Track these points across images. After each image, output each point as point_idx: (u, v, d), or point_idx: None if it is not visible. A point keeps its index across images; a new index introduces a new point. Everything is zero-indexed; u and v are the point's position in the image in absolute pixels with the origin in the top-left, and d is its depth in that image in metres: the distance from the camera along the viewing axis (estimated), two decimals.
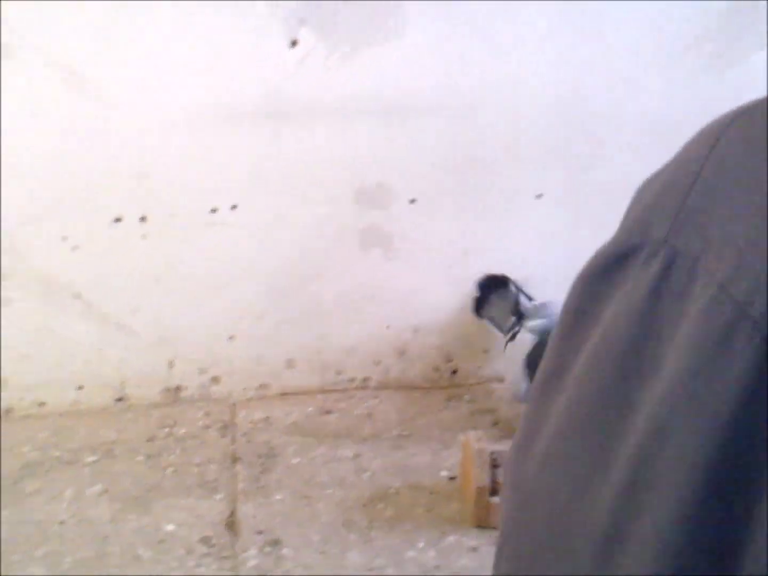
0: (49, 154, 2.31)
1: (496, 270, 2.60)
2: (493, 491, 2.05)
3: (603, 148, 2.55)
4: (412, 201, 2.51)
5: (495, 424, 2.49)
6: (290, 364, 2.60)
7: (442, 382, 2.66)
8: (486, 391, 2.65)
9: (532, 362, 2.31)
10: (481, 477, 2.05)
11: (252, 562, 1.95)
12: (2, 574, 1.90)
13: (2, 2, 2.16)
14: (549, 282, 2.65)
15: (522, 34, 2.42)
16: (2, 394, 2.46)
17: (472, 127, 2.48)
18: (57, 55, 2.24)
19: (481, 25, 2.40)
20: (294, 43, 2.32)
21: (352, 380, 2.64)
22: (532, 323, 2.38)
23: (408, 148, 2.47)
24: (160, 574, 1.91)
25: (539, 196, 2.58)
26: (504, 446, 2.28)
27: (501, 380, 2.70)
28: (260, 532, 2.04)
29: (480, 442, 2.13)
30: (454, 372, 2.68)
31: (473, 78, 2.43)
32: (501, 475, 2.08)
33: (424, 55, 2.39)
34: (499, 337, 2.62)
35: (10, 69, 2.21)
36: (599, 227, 2.46)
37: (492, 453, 2.13)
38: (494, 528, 2.02)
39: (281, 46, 2.31)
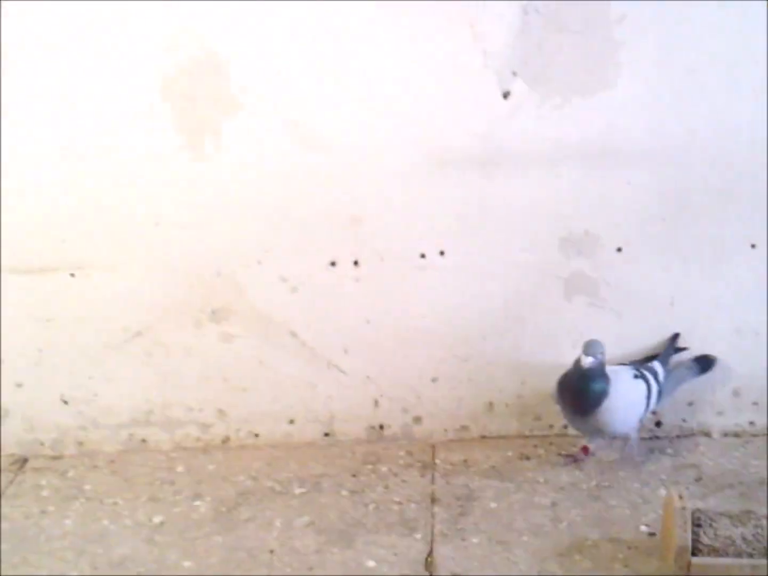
0: (270, 200, 2.47)
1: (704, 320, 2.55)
2: (695, 551, 2.00)
3: None
4: (619, 249, 2.50)
5: (698, 479, 2.42)
6: (490, 407, 2.64)
7: (644, 433, 2.61)
8: (690, 445, 2.58)
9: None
10: (682, 536, 2.00)
11: None
12: None
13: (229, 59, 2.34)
14: (761, 334, 2.56)
15: (737, 80, 2.37)
16: (221, 424, 2.64)
17: (682, 174, 2.44)
18: (281, 108, 2.40)
19: (694, 73, 2.37)
20: (506, 95, 2.37)
21: (551, 426, 2.64)
22: None
23: (615, 195, 2.46)
24: None
25: (753, 246, 2.50)
26: (706, 504, 2.23)
27: (707, 434, 2.63)
28: (456, 575, 2.08)
29: (682, 499, 2.08)
30: (658, 424, 2.63)
31: (684, 125, 2.40)
32: (703, 535, 2.03)
33: (635, 102, 2.38)
34: (704, 390, 2.59)
35: (238, 122, 2.39)
36: None
37: (694, 512, 2.09)
38: None
39: (494, 96, 2.37)
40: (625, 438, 2.51)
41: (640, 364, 2.51)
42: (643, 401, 2.45)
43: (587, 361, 2.31)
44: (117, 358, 2.60)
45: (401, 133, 2.42)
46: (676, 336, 2.57)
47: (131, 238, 2.51)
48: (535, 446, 2.60)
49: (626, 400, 2.42)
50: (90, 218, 2.48)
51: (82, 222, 2.48)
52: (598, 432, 2.47)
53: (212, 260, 2.53)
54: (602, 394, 2.36)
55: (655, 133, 2.41)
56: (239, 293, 2.55)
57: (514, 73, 2.34)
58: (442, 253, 2.51)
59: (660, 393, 2.49)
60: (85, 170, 2.44)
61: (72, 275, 2.52)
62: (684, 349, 2.58)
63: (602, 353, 2.34)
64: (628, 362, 2.52)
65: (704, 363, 2.57)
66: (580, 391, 2.38)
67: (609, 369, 2.41)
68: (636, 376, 2.45)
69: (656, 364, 2.50)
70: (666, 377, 2.50)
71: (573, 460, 2.52)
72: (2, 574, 2.16)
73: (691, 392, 2.60)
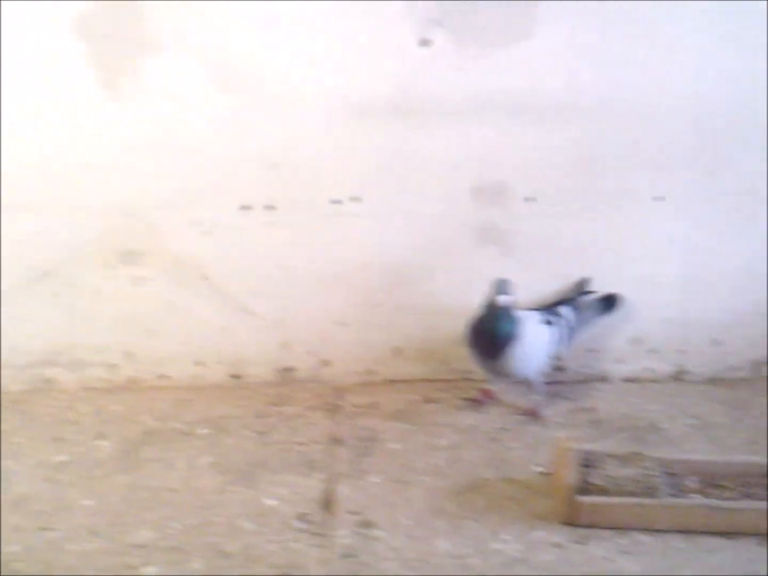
0: (187, 142, 2.47)
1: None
2: (583, 490, 2.08)
3: (730, 155, 2.53)
4: (530, 199, 2.55)
5: (593, 423, 2.51)
6: (398, 352, 2.69)
7: (546, 378, 2.69)
8: (589, 391, 2.67)
9: None
10: (571, 476, 2.08)
11: (344, 541, 2.04)
12: (116, 534, 2.06)
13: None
14: (663, 285, 2.64)
15: (655, 38, 2.42)
16: (128, 365, 2.65)
17: (594, 128, 2.50)
18: (202, 50, 2.39)
19: (615, 29, 2.41)
20: (426, 43, 2.39)
21: (456, 371, 2.71)
22: None
23: (529, 147, 2.51)
24: (257, 545, 2.03)
25: (660, 198, 2.56)
26: (597, 446, 2.31)
27: (606, 380, 2.72)
28: (355, 513, 2.14)
29: (572, 440, 2.16)
30: (560, 369, 2.70)
31: (600, 79, 2.45)
32: (592, 475, 2.11)
33: (553, 55, 2.42)
34: (605, 338, 2.68)
35: (157, 63, 2.38)
36: (718, 232, 2.49)
37: (584, 453, 2.17)
38: (581, 526, 2.06)
39: (414, 45, 2.39)
40: (531, 382, 2.57)
41: (549, 310, 2.57)
42: (552, 346, 2.52)
43: (502, 299, 2.35)
44: (24, 297, 2.59)
45: (321, 80, 2.44)
46: (583, 280, 2.64)
47: (41, 176, 2.49)
48: (440, 390, 2.67)
49: (535, 344, 2.48)
50: (9, 158, 2.46)
51: (4, 161, 2.47)
52: (506, 375, 2.52)
53: (125, 201, 2.52)
54: (512, 336, 2.41)
55: (571, 87, 2.46)
56: (151, 235, 2.55)
57: (434, 22, 2.35)
58: (356, 199, 2.54)
59: (569, 337, 2.56)
60: (8, 111, 2.42)
61: None
62: (591, 292, 2.65)
63: (512, 293, 2.38)
64: (537, 307, 2.59)
65: (608, 302, 2.65)
66: (491, 331, 2.41)
67: (519, 313, 2.47)
68: (544, 322, 2.52)
69: (565, 309, 2.57)
70: (576, 323, 2.58)
71: (475, 403, 2.59)
72: None
73: (593, 339, 2.68)
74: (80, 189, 2.51)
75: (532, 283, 2.62)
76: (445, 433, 2.46)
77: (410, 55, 2.40)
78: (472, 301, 2.58)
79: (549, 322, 2.52)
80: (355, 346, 2.67)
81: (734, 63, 2.45)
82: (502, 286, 2.36)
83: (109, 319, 2.61)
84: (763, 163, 2.54)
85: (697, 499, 2.09)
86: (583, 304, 2.62)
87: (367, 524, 2.10)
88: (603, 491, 2.09)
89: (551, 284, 2.64)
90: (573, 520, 2.08)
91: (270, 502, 2.18)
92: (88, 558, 2.00)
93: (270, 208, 2.54)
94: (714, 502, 2.07)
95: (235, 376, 2.68)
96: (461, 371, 2.70)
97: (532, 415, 2.54)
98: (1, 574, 1.93)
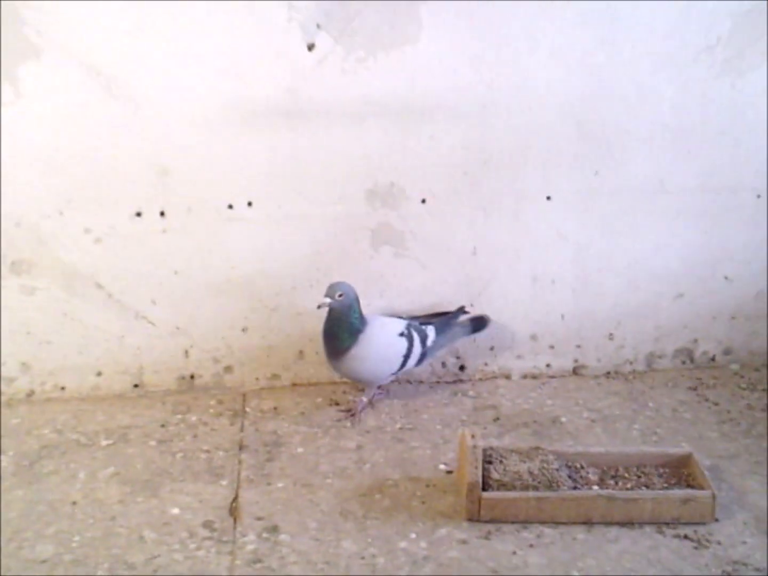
0: (73, 149, 2.42)
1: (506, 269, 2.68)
2: (485, 486, 2.12)
3: (613, 152, 2.60)
4: (424, 201, 2.58)
5: (496, 419, 2.56)
6: (300, 355, 2.69)
7: (448, 377, 2.74)
8: (491, 387, 2.72)
9: None
10: (473, 472, 2.11)
11: (250, 547, 2.04)
12: (16, 550, 2.01)
13: (24, 2, 2.26)
14: (556, 282, 2.71)
15: (536, 39, 2.48)
16: (25, 378, 2.58)
17: (483, 129, 2.55)
18: (83, 55, 2.34)
19: (495, 30, 2.46)
20: (311, 47, 2.39)
21: None
22: None
23: (420, 149, 2.54)
24: (162, 555, 2.01)
25: (549, 198, 2.63)
26: (500, 442, 2.36)
27: (507, 377, 2.77)
28: (260, 518, 2.13)
29: (474, 438, 2.20)
30: (461, 368, 2.75)
31: (486, 82, 2.50)
32: (493, 471, 2.15)
33: (438, 58, 2.46)
34: (504, 336, 2.73)
35: (37, 69, 2.33)
36: (607, 229, 2.56)
37: (486, 449, 2.21)
38: (485, 522, 2.10)
39: (299, 49, 2.40)
40: (368, 385, 2.59)
41: (417, 322, 2.58)
42: (399, 359, 2.53)
43: (323, 302, 2.38)
44: None
45: (208, 84, 2.42)
46: (462, 307, 2.67)
47: None
48: (345, 392, 2.67)
49: (380, 353, 2.50)
50: None
51: None
52: (346, 376, 2.56)
53: (11, 211, 2.46)
54: (349, 339, 2.43)
55: (457, 89, 2.50)
56: (41, 244, 2.49)
57: (319, 26, 2.37)
58: (250, 204, 2.53)
59: (423, 356, 2.57)
60: None
61: None
62: (466, 312, 2.69)
63: (341, 295, 2.39)
64: (406, 317, 2.61)
65: (478, 323, 2.69)
66: (330, 333, 2.45)
67: (374, 319, 2.50)
68: (401, 334, 2.52)
69: (430, 329, 2.58)
70: (435, 343, 2.59)
71: (350, 414, 2.58)
72: None
73: (492, 338, 2.73)
74: None
75: (429, 283, 2.67)
76: (350, 434, 2.47)
77: (297, 58, 2.41)
78: (370, 303, 2.62)
79: (407, 335, 2.53)
80: (258, 351, 2.66)
81: (609, 62, 2.53)
82: (328, 289, 2.39)
83: (2, 331, 2.54)
84: (647, 161, 2.63)
85: (597, 491, 2.15)
86: (450, 324, 2.64)
87: (273, 529, 2.10)
88: (505, 486, 2.14)
89: (448, 284, 2.67)
90: (477, 516, 2.12)
91: (174, 511, 2.16)
92: None
93: (163, 214, 2.51)
94: (613, 492, 2.13)
95: (137, 386, 2.64)
96: None
97: (350, 413, 2.56)
98: None
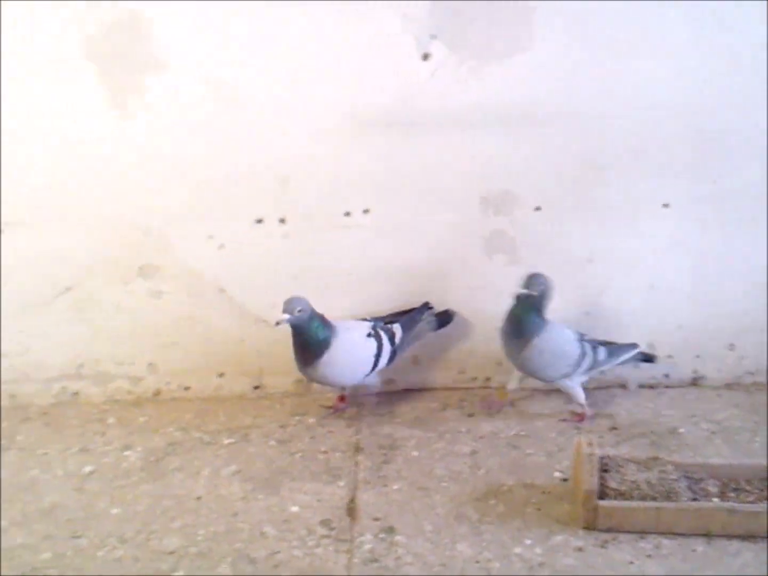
0: (198, 159, 2.51)
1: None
2: (602, 495, 2.11)
3: (732, 159, 2.55)
4: (538, 208, 2.59)
5: (612, 429, 2.54)
6: (416, 361, 2.72)
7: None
8: (607, 397, 2.70)
9: None
10: (589, 480, 2.10)
11: (367, 546, 2.08)
12: (144, 542, 2.11)
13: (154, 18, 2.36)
14: (674, 290, 2.67)
15: (652, 44, 2.45)
16: (152, 377, 2.69)
17: (597, 135, 2.53)
18: (208, 67, 2.43)
19: (610, 36, 2.44)
20: (426, 57, 2.43)
21: (474, 379, 2.74)
22: None
23: (533, 156, 2.54)
24: (282, 551, 2.07)
25: (666, 205, 2.59)
26: (617, 451, 2.34)
27: (623, 386, 2.74)
28: (377, 519, 2.17)
29: (591, 446, 2.18)
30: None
31: (598, 87, 2.48)
32: (610, 479, 2.14)
33: (551, 65, 2.46)
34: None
35: (164, 81, 2.43)
36: (727, 237, 2.51)
37: (602, 458, 2.19)
38: (601, 530, 2.09)
39: (414, 59, 2.43)
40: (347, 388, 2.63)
41: (382, 323, 2.60)
42: (371, 360, 2.54)
43: (281, 318, 2.38)
44: (48, 313, 2.63)
45: (325, 95, 2.47)
46: (427, 303, 2.68)
47: (61, 196, 2.54)
48: (459, 398, 2.69)
49: (351, 356, 2.51)
50: (22, 177, 2.51)
51: (14, 180, 2.51)
52: (320, 382, 2.56)
53: (140, 218, 2.57)
54: (319, 347, 2.44)
55: (570, 96, 2.50)
56: (167, 250, 2.60)
57: (433, 36, 2.39)
58: (366, 211, 2.58)
59: (393, 354, 2.58)
60: (13, 131, 2.46)
61: (1, 231, 2.55)
62: (431, 307, 2.69)
63: (300, 311, 2.39)
64: (370, 318, 2.62)
65: (443, 318, 2.70)
66: (299, 345, 2.46)
67: (340, 324, 2.51)
68: (369, 335, 2.54)
69: (396, 327, 2.59)
70: (403, 340, 2.59)
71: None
72: None
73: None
74: (98, 207, 2.56)
75: None
76: (465, 440, 2.49)
77: (412, 68, 2.45)
78: (483, 309, 2.64)
79: (374, 335, 2.55)
80: None
81: (728, 68, 2.48)
82: (286, 304, 2.39)
83: (131, 332, 2.65)
84: (764, 168, 2.57)
85: (717, 503, 2.10)
86: (416, 321, 2.65)
87: (390, 530, 2.13)
88: (623, 495, 2.12)
89: (562, 292, 2.65)
90: (593, 524, 2.11)
91: (294, 509, 2.22)
92: (118, 564, 2.04)
93: (283, 221, 2.58)
94: (734, 505, 2.09)
95: (257, 387, 2.72)
96: (479, 379, 2.74)
97: (335, 409, 2.63)
98: None
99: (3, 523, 2.20)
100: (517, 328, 2.49)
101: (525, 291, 2.44)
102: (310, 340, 2.43)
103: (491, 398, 2.66)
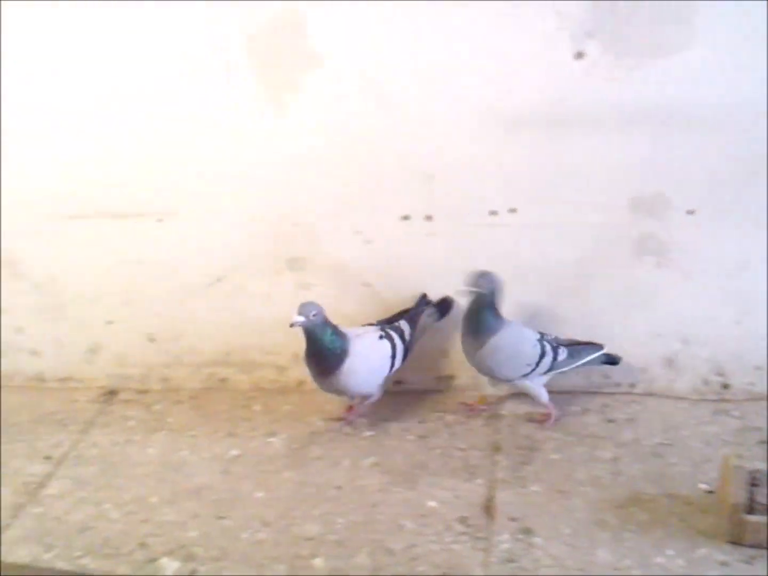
0: (347, 155, 2.55)
1: None
2: (750, 509, 2.04)
3: None
4: (690, 212, 2.51)
5: (761, 442, 2.44)
6: None
7: (710, 395, 2.65)
8: (757, 409, 2.60)
9: None
10: (737, 494, 2.04)
11: (504, 546, 2.08)
12: (285, 526, 2.17)
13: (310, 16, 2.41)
14: None
15: None
16: (296, 368, 2.75)
17: (754, 139, 2.42)
18: (360, 65, 2.46)
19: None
20: (579, 55, 2.40)
21: (618, 384, 2.69)
22: None
23: (687, 158, 2.46)
24: (419, 545, 2.09)
25: None
26: (765, 466, 2.26)
27: None
28: (514, 519, 2.17)
29: (740, 459, 2.12)
30: (725, 386, 2.65)
31: (759, 89, 2.37)
32: (760, 495, 2.07)
33: (711, 65, 2.37)
34: None
35: (318, 78, 2.47)
36: None
37: (752, 472, 2.12)
38: (747, 546, 2.02)
39: (567, 58, 2.40)
40: (366, 396, 2.57)
41: (387, 324, 2.58)
42: (388, 361, 2.51)
43: (295, 321, 2.35)
44: (200, 300, 2.74)
45: (474, 93, 2.47)
46: (424, 295, 2.66)
47: (216, 188, 2.62)
48: (602, 403, 2.65)
49: (369, 362, 2.47)
50: (180, 169, 2.61)
51: (172, 172, 2.61)
52: (341, 392, 2.53)
53: (291, 212, 2.63)
54: (338, 357, 2.41)
55: (728, 97, 2.40)
56: (315, 244, 2.65)
57: (588, 35, 2.36)
58: (512, 210, 2.56)
59: (406, 352, 2.56)
60: (176, 125, 2.56)
61: (160, 221, 2.66)
62: (430, 302, 2.66)
63: (315, 314, 2.37)
64: (375, 322, 2.59)
65: (444, 306, 2.66)
66: (314, 354, 2.43)
67: (350, 332, 2.47)
68: (381, 337, 2.51)
69: (403, 323, 2.57)
70: (411, 335, 2.57)
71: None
72: (89, 495, 2.33)
73: (760, 357, 2.61)
74: (251, 200, 2.63)
75: (693, 295, 2.58)
76: (606, 445, 2.45)
77: (564, 66, 2.40)
78: (630, 314, 2.59)
79: (386, 336, 2.52)
80: None
81: None
82: (301, 308, 2.36)
83: (278, 323, 2.70)
84: None
85: None
86: (420, 314, 2.62)
87: (527, 531, 2.13)
88: None
89: (714, 297, 2.58)
90: (739, 539, 2.04)
91: (431, 504, 2.24)
92: (259, 547, 2.12)
93: (429, 218, 2.60)
94: None
95: (399, 382, 2.75)
96: (623, 385, 2.69)
97: (346, 420, 2.58)
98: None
99: (154, 499, 2.31)
100: (474, 327, 2.48)
101: (473, 289, 2.43)
102: (325, 350, 2.41)
103: (473, 403, 2.65)
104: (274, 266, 2.69)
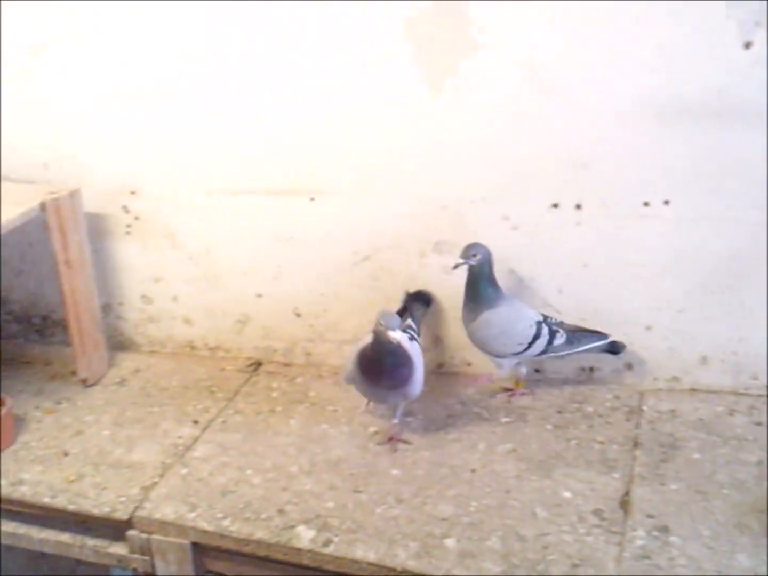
0: (500, 141, 2.54)
1: None
2: None
3: None
4: None
5: None
6: (704, 361, 2.62)
7: None
8: None
9: None
10: None
11: (639, 542, 2.05)
12: (419, 504, 2.20)
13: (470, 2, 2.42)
14: None
15: None
16: (437, 351, 2.78)
17: None
18: (520, 51, 2.45)
19: None
20: (748, 45, 2.31)
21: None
22: None
23: None
24: (552, 534, 2.09)
25: None
26: None
27: None
28: (651, 516, 2.13)
29: None
30: None
31: None
32: None
33: None
34: None
35: (476, 63, 2.47)
36: None
37: None
38: None
39: (734, 47, 2.32)
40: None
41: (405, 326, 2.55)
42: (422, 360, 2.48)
43: (396, 336, 2.26)
44: (346, 278, 2.79)
45: (634, 82, 2.41)
46: (407, 292, 2.69)
47: (368, 168, 2.67)
48: (749, 405, 2.56)
49: (419, 365, 2.43)
50: (333, 148, 2.66)
51: (326, 151, 2.67)
52: (403, 399, 2.47)
53: (439, 195, 2.64)
54: (411, 368, 2.37)
55: None
56: (462, 228, 2.65)
57: (757, 24, 2.27)
58: (666, 202, 2.50)
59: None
60: (332, 105, 2.61)
61: (312, 199, 2.73)
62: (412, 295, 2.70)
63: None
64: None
65: (425, 298, 2.71)
66: (392, 367, 2.34)
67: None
68: (411, 338, 2.49)
69: (411, 322, 2.59)
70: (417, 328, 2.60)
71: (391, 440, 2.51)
72: (232, 461, 2.43)
73: None
74: (402, 181, 2.66)
75: None
76: (751, 448, 2.37)
77: (731, 57, 2.32)
78: None
79: (412, 338, 2.50)
80: (659, 351, 2.63)
81: None
82: (393, 321, 2.27)
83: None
84: None
85: None
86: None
87: (664, 529, 2.09)
88: None
89: None
90: None
91: (566, 494, 2.22)
92: (393, 522, 2.15)
93: (578, 207, 2.57)
94: None
95: (537, 371, 2.73)
96: None
97: (390, 440, 2.49)
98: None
99: (293, 469, 2.38)
100: (471, 299, 2.50)
101: (461, 261, 2.44)
102: (401, 363, 2.36)
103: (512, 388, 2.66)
104: (420, 248, 2.72)
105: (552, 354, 2.57)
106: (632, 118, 2.44)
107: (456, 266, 2.48)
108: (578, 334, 2.58)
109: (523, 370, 2.64)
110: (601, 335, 2.59)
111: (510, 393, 2.66)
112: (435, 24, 2.46)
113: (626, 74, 2.41)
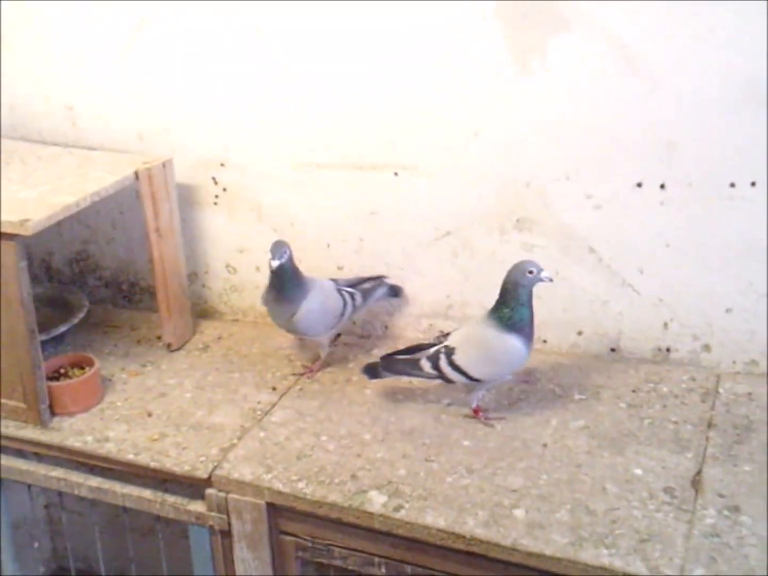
0: (586, 119, 2.55)
1: None
2: None
3: None
4: None
5: None
6: None
7: None
8: None
9: None
10: None
11: (709, 521, 2.05)
12: (489, 475, 2.24)
13: None
14: None
15: None
16: None
17: None
18: (611, 30, 2.43)
19: None
20: None
21: None
22: None
23: None
24: (621, 509, 2.10)
25: None
26: None
27: None
28: (722, 496, 2.13)
29: None
30: None
31: None
32: None
33: None
34: None
35: (565, 42, 2.48)
36: None
37: None
38: None
39: None
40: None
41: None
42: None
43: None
44: (426, 253, 2.83)
45: (722, 62, 2.38)
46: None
47: (452, 145, 2.69)
48: None
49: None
50: (418, 123, 2.70)
51: (411, 126, 2.71)
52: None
53: (523, 172, 2.66)
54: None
55: None
56: (545, 206, 2.67)
57: None
58: (753, 184, 2.47)
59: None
60: (418, 79, 2.65)
61: (396, 174, 2.77)
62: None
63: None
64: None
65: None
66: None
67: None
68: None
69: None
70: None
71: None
72: (308, 427, 2.51)
73: None
74: (484, 158, 2.67)
75: None
76: None
77: None
78: None
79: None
80: (739, 334, 2.60)
81: None
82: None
83: (500, 281, 2.76)
84: None
85: None
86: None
87: (735, 509, 2.08)
88: None
89: None
90: None
91: (637, 471, 2.23)
92: (464, 491, 2.19)
93: (663, 186, 2.55)
94: None
95: (613, 350, 2.74)
96: None
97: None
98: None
99: (367, 437, 2.44)
100: (284, 295, 2.58)
101: (277, 262, 2.52)
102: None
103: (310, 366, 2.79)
104: (501, 225, 2.74)
105: (355, 315, 2.78)
106: (720, 99, 2.42)
107: (278, 267, 2.56)
108: (364, 287, 2.78)
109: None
110: (377, 281, 2.82)
111: (308, 369, 2.78)
112: (526, 3, 2.47)
113: (717, 55, 2.38)
